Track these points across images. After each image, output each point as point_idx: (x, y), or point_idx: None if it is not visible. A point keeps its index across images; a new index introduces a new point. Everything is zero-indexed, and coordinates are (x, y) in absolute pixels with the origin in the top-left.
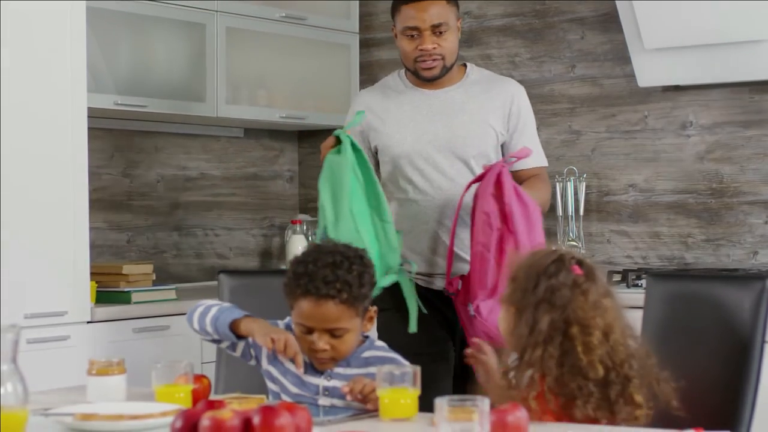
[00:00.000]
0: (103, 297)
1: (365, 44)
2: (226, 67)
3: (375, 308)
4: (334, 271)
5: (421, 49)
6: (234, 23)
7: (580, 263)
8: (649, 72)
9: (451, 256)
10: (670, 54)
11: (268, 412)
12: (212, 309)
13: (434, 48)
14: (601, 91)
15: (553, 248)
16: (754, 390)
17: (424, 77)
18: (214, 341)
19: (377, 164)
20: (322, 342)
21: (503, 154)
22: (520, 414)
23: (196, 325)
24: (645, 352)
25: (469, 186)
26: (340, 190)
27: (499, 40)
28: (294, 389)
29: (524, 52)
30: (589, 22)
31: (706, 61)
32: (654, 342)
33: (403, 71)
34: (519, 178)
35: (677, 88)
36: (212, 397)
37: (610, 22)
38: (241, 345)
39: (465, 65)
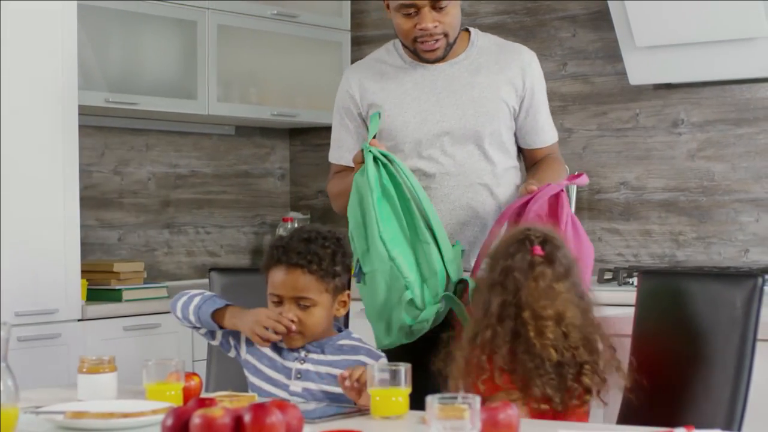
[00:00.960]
0: (93, 295)
1: (357, 42)
2: (218, 64)
3: (348, 293)
4: (308, 245)
5: (421, 29)
6: (225, 21)
7: (543, 243)
8: (641, 70)
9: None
10: (662, 52)
11: (259, 410)
12: (195, 298)
13: (435, 26)
14: (593, 89)
15: (526, 226)
16: (746, 388)
17: (426, 59)
18: (194, 329)
19: None
20: (291, 313)
21: (516, 132)
22: (511, 412)
23: (179, 314)
24: (605, 339)
25: (513, 210)
26: (367, 216)
27: None
28: (270, 372)
29: None
30: (580, 19)
31: (698, 59)
32: (646, 339)
33: (398, 42)
34: (534, 156)
35: (668, 86)
36: (203, 395)
37: (601, 20)
38: (219, 335)
39: (468, 30)
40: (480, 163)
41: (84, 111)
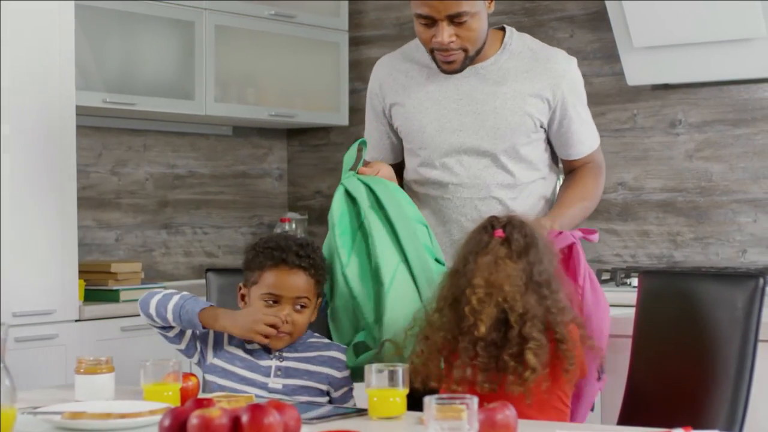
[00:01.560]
0: (91, 295)
1: (354, 42)
2: (215, 65)
3: (320, 300)
4: (304, 248)
5: (437, 42)
6: (223, 21)
7: (505, 226)
8: (638, 70)
9: None
10: (659, 52)
11: (256, 410)
12: (173, 297)
13: (452, 41)
14: (590, 89)
15: (495, 216)
16: (747, 388)
17: (442, 70)
18: (161, 329)
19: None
20: (287, 311)
21: (551, 144)
22: (509, 412)
23: (152, 310)
24: (574, 319)
25: None
26: (333, 250)
27: None
28: (244, 373)
29: None
30: (578, 20)
31: (696, 59)
32: (646, 340)
33: None
34: (571, 165)
35: (666, 87)
36: (201, 395)
37: (599, 20)
38: (187, 337)
39: (504, 29)
40: (497, 176)
41: (81, 111)
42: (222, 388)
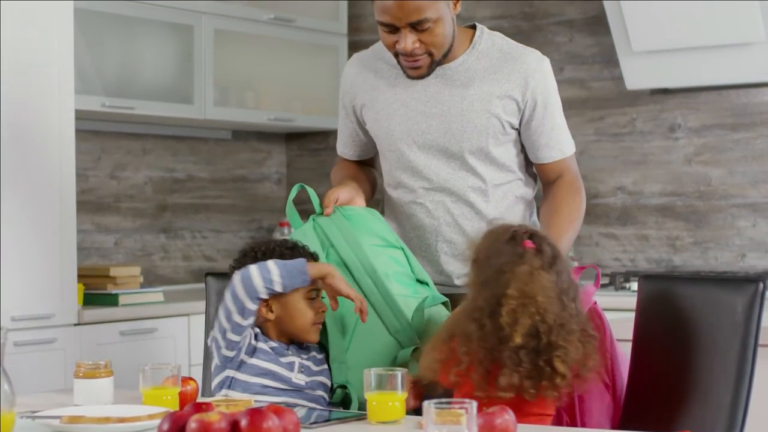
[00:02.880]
0: (90, 299)
1: (354, 46)
2: (214, 69)
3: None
4: (292, 250)
5: (401, 48)
6: (222, 25)
7: (531, 237)
8: (638, 75)
9: None
10: (659, 57)
11: (255, 414)
12: (270, 262)
13: (416, 47)
14: (590, 93)
15: (509, 225)
16: (747, 393)
17: (408, 76)
18: (243, 310)
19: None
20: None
21: (524, 147)
22: (508, 417)
23: (257, 279)
24: (585, 330)
25: None
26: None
27: None
28: (271, 366)
29: None
30: (577, 24)
31: (695, 64)
32: (646, 344)
33: None
34: (543, 172)
35: (665, 91)
36: (200, 399)
37: (598, 24)
38: (249, 325)
39: (474, 27)
40: (467, 179)
41: (81, 115)
42: (245, 384)
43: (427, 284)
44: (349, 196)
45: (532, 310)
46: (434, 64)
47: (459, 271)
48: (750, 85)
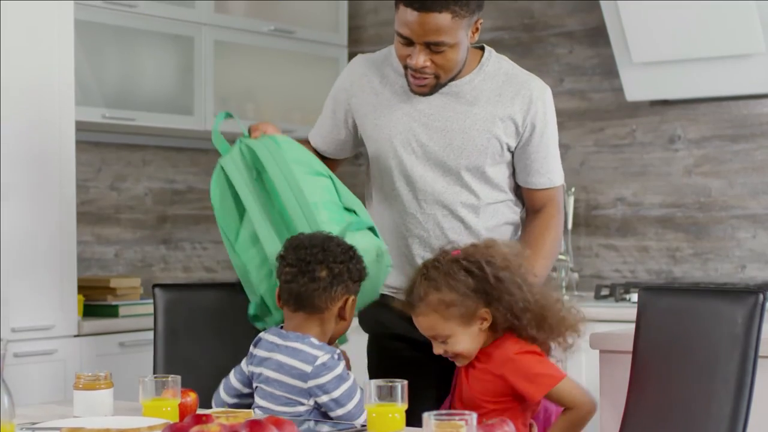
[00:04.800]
0: (90, 311)
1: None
2: (215, 80)
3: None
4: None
5: (412, 63)
6: (222, 37)
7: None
8: (637, 86)
9: None
10: (658, 68)
11: (255, 426)
12: None
13: (426, 66)
14: (590, 105)
15: (463, 248)
16: (747, 405)
17: (411, 90)
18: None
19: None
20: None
21: (514, 168)
22: (507, 428)
23: None
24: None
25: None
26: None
27: None
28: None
29: None
30: (577, 36)
31: (694, 75)
32: (646, 356)
33: None
34: (529, 197)
35: (665, 102)
36: (199, 411)
37: (598, 36)
38: None
39: (483, 48)
40: (460, 195)
41: (81, 127)
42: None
43: (354, 212)
44: (277, 131)
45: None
46: (438, 85)
47: None
48: (750, 96)
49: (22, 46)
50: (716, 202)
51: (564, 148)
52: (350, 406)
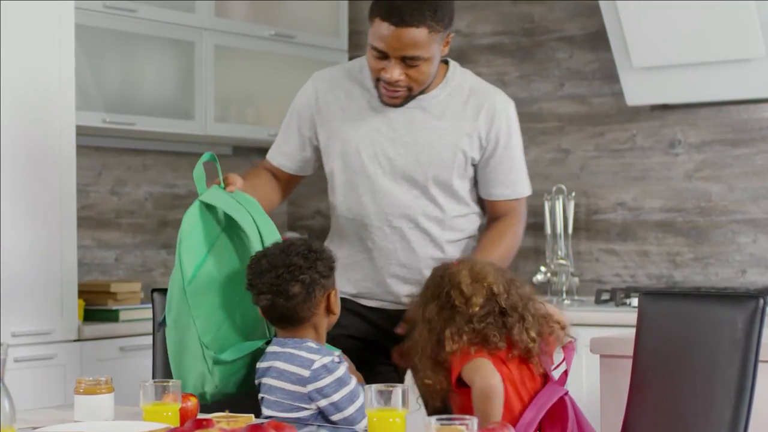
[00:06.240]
0: (90, 315)
1: None
2: (215, 85)
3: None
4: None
5: (386, 77)
6: (223, 41)
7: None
8: (638, 90)
9: None
10: (659, 72)
11: (255, 430)
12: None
13: (400, 80)
14: (590, 109)
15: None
16: (748, 409)
17: (383, 102)
18: None
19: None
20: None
21: (476, 179)
22: None
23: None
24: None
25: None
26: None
27: (488, 59)
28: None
29: (513, 70)
30: (577, 40)
31: (695, 79)
32: (647, 360)
33: None
34: (491, 208)
35: (665, 107)
36: (200, 416)
37: (598, 40)
38: None
39: (447, 63)
40: (426, 208)
41: (81, 131)
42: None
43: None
44: (243, 185)
45: (485, 284)
46: (410, 97)
47: (407, 291)
48: (750, 101)
49: (22, 51)
50: (717, 207)
51: (564, 152)
52: (350, 410)
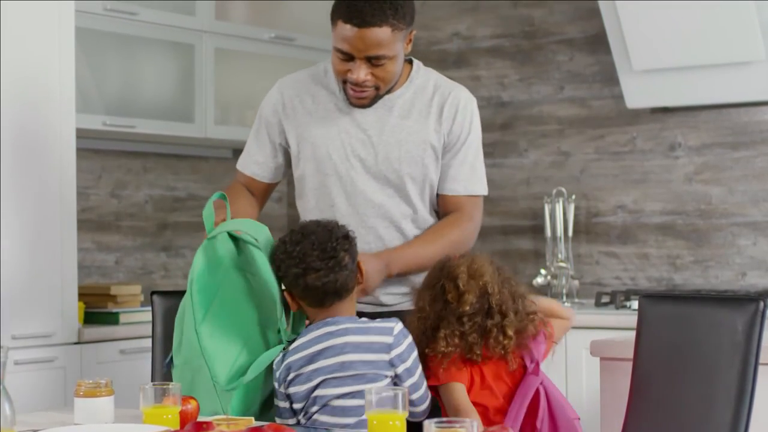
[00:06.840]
0: (90, 318)
1: None
2: (215, 87)
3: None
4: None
5: (353, 78)
6: (223, 44)
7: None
8: (638, 93)
9: None
10: (659, 75)
11: None
12: None
13: (367, 80)
14: (590, 112)
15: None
16: (748, 412)
17: (351, 104)
18: None
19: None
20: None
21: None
22: None
23: None
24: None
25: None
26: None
27: (488, 62)
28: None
29: (513, 73)
30: (577, 43)
31: (695, 82)
32: (647, 363)
33: None
34: (442, 203)
35: (666, 110)
36: (200, 418)
37: (598, 43)
38: None
39: (411, 62)
40: (400, 206)
41: (81, 134)
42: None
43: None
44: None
45: (480, 282)
46: (378, 97)
47: (384, 290)
48: (750, 103)
49: (23, 54)
50: (717, 210)
51: (564, 155)
52: (418, 373)
